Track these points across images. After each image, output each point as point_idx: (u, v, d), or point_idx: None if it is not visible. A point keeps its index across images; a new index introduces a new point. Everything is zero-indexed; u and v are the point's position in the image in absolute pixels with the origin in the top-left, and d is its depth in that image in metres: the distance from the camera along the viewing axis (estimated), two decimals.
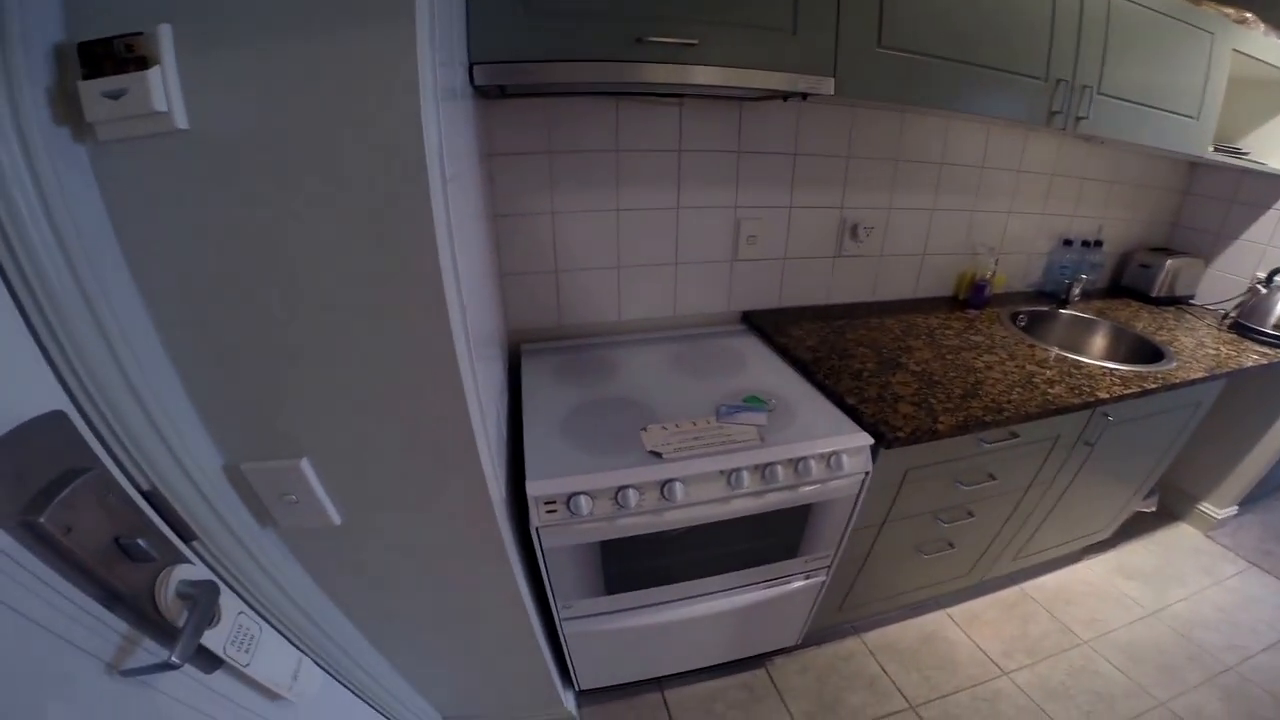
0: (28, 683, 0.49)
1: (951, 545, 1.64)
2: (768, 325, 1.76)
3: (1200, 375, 1.57)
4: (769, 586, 1.43)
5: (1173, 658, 1.80)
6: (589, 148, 1.47)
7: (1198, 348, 1.77)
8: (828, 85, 1.16)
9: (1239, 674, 1.74)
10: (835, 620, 1.74)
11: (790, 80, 1.13)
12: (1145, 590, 2.07)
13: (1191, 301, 2.25)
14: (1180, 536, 2.36)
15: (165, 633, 0.61)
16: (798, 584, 1.45)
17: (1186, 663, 1.79)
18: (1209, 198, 2.21)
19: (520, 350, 1.63)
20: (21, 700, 0.48)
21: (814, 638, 1.76)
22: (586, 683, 1.53)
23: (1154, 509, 2.24)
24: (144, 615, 0.59)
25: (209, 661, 0.69)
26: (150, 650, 0.60)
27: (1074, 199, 2.11)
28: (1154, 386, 1.48)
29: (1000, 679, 1.73)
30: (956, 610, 1.96)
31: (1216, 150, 1.76)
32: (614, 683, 1.59)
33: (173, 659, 0.55)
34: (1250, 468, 2.17)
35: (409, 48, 0.57)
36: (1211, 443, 2.16)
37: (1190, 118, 1.64)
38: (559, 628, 1.32)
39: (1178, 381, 1.52)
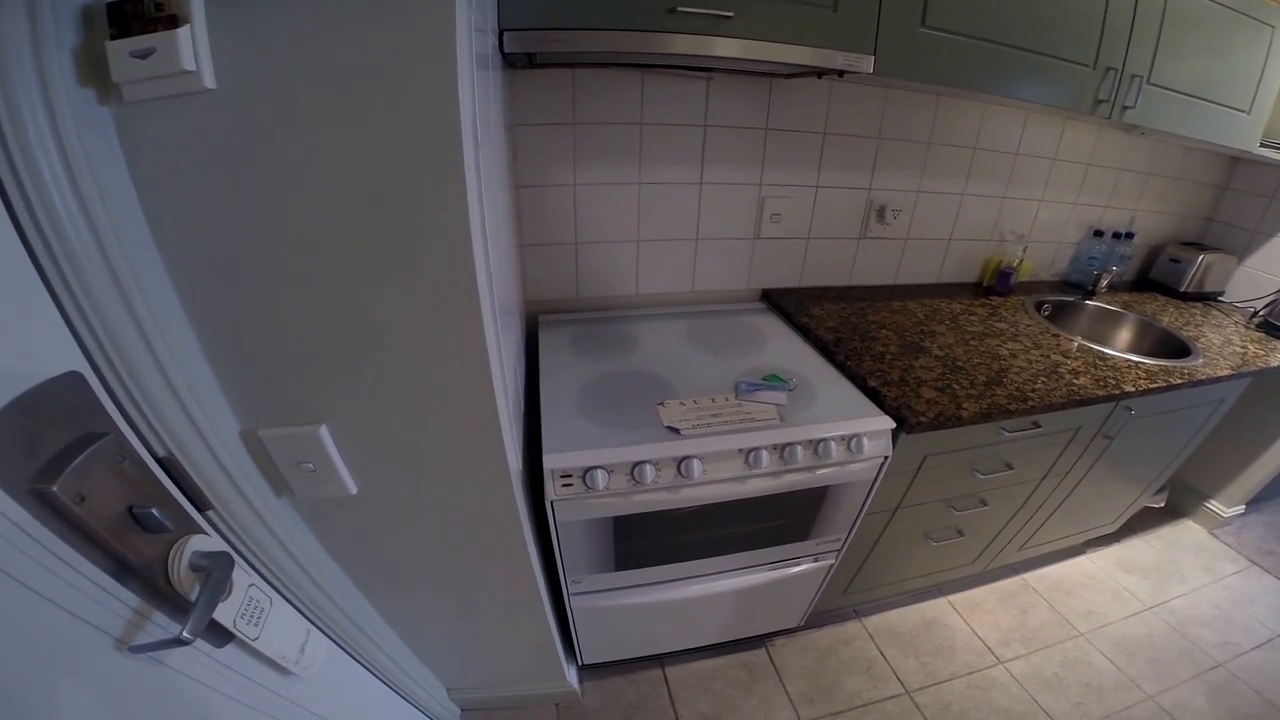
0: (36, 660, 0.48)
1: (961, 533, 1.64)
2: (788, 304, 1.73)
3: (1226, 372, 1.54)
4: (778, 568, 1.43)
5: (1165, 652, 1.82)
6: (613, 120, 1.43)
7: (1225, 345, 1.74)
8: (867, 63, 1.12)
9: (1228, 670, 1.76)
10: (839, 604, 1.75)
11: (828, 57, 1.09)
12: (1145, 585, 2.08)
13: (1221, 298, 2.20)
14: (1184, 533, 2.36)
15: (177, 606, 0.60)
16: (806, 566, 1.45)
17: (1178, 658, 1.80)
18: (1248, 194, 2.14)
19: (537, 321, 1.61)
20: (29, 678, 0.47)
21: (816, 620, 1.78)
22: (590, 657, 1.54)
23: (1163, 504, 2.23)
24: (156, 588, 0.58)
25: (219, 636, 0.68)
26: (160, 625, 0.59)
27: (1108, 190, 2.05)
28: (1180, 381, 1.46)
29: (995, 668, 1.74)
30: (958, 598, 1.97)
31: (1264, 146, 1.70)
32: (616, 658, 1.60)
33: (184, 635, 0.53)
34: (1263, 467, 2.16)
35: (448, 7, 0.54)
36: (1226, 441, 2.14)
37: (1242, 111, 1.58)
38: (566, 602, 1.33)
39: (1204, 378, 1.50)
